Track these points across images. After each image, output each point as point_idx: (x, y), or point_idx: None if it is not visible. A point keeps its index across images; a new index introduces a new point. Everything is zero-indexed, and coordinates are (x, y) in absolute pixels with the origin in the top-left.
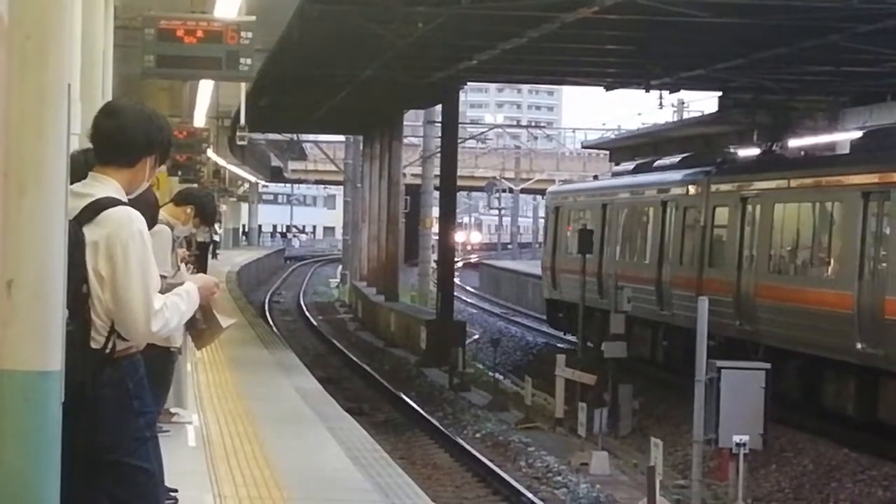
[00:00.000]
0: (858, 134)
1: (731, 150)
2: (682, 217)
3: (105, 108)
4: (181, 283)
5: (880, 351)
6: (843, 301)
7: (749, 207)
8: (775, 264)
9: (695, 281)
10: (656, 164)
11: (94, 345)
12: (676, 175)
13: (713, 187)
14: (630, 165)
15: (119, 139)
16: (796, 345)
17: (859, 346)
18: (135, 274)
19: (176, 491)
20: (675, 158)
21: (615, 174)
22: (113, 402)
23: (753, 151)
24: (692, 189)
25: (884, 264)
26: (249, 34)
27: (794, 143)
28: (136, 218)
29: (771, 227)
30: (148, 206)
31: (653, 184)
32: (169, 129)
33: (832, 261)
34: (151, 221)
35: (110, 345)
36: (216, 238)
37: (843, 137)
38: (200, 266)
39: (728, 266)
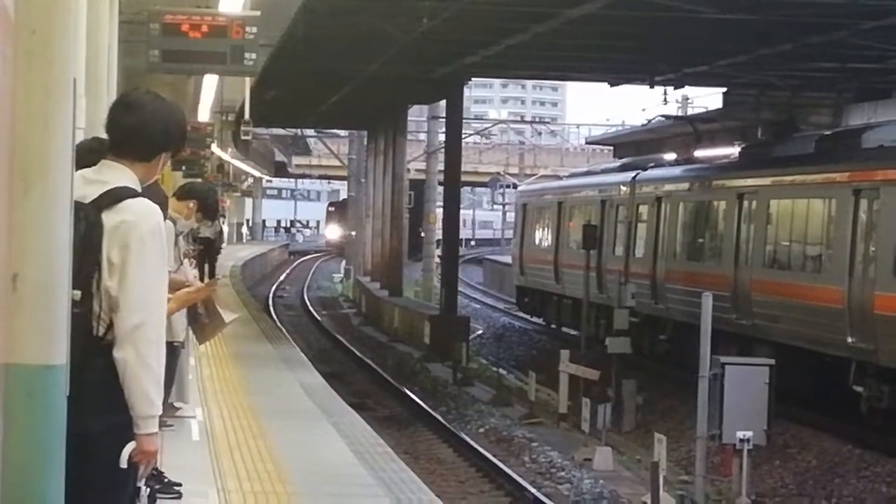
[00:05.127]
0: (739, 147)
1: (660, 157)
2: (615, 213)
3: (124, 101)
4: (184, 279)
5: (750, 322)
6: (724, 282)
7: (662, 205)
8: (680, 253)
9: (623, 268)
10: (602, 167)
11: (94, 332)
12: (613, 178)
13: (638, 188)
14: (583, 169)
15: (138, 136)
16: (694, 319)
17: (734, 317)
18: (149, 268)
19: (180, 485)
20: (617, 163)
21: (572, 176)
22: (100, 392)
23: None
24: (623, 189)
25: (751, 252)
26: (254, 29)
27: (701, 152)
28: (157, 212)
29: (677, 221)
30: (158, 202)
31: (595, 185)
32: (185, 123)
33: (718, 249)
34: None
35: (109, 335)
36: (222, 227)
37: (734, 151)
38: (207, 262)
39: (647, 255)
